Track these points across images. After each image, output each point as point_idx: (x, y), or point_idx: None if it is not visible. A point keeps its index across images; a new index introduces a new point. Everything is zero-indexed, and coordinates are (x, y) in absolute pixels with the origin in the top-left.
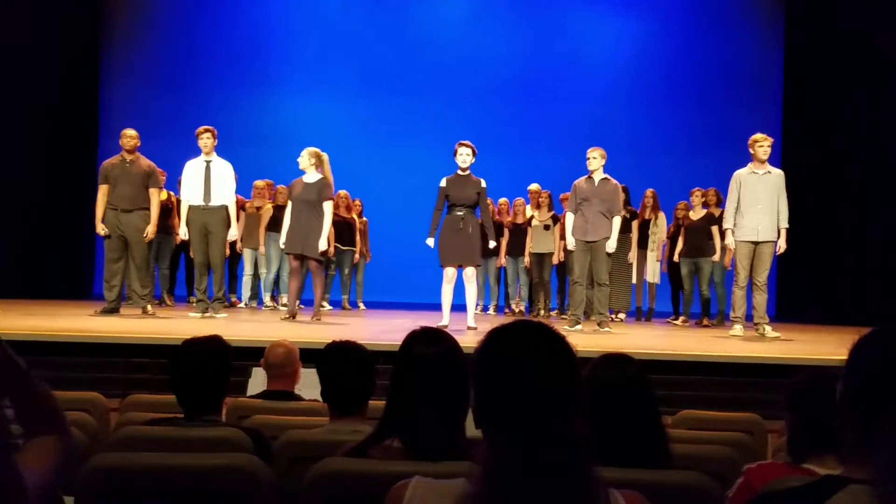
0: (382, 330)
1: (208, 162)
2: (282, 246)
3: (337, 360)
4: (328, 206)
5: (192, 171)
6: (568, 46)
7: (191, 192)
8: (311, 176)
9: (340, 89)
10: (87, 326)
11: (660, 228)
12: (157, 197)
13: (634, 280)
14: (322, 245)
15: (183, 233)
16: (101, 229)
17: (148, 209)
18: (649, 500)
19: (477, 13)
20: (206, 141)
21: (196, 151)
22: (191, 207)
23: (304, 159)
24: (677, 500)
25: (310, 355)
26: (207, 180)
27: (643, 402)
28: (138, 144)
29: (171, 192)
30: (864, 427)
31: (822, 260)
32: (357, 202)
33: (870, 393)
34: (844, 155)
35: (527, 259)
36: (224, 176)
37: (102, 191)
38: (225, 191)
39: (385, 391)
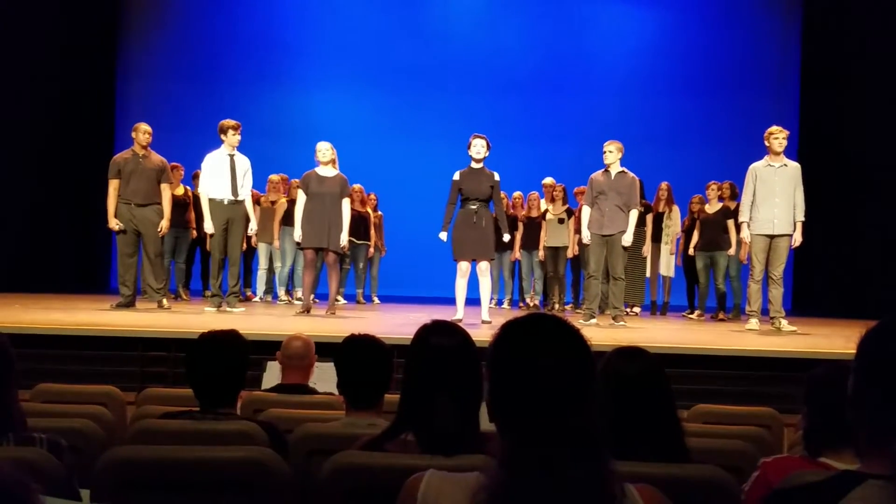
0: (399, 323)
1: (232, 156)
2: (298, 240)
3: (355, 353)
4: (348, 202)
5: (216, 166)
6: (583, 39)
7: (216, 187)
8: (328, 170)
9: (355, 83)
10: (103, 320)
11: (674, 222)
12: (168, 192)
13: (649, 274)
14: (344, 239)
15: (209, 227)
16: (114, 224)
17: (161, 204)
18: (665, 493)
19: (492, 7)
20: (238, 137)
21: (214, 144)
22: (214, 201)
23: (330, 153)
24: (693, 494)
25: (326, 349)
26: (234, 175)
27: (658, 395)
28: (151, 140)
29: (188, 187)
30: (878, 420)
31: (838, 253)
32: (372, 196)
33: (880, 385)
34: (861, 147)
35: (541, 253)
36: (246, 170)
37: (114, 185)
38: (246, 185)
39: (400, 385)
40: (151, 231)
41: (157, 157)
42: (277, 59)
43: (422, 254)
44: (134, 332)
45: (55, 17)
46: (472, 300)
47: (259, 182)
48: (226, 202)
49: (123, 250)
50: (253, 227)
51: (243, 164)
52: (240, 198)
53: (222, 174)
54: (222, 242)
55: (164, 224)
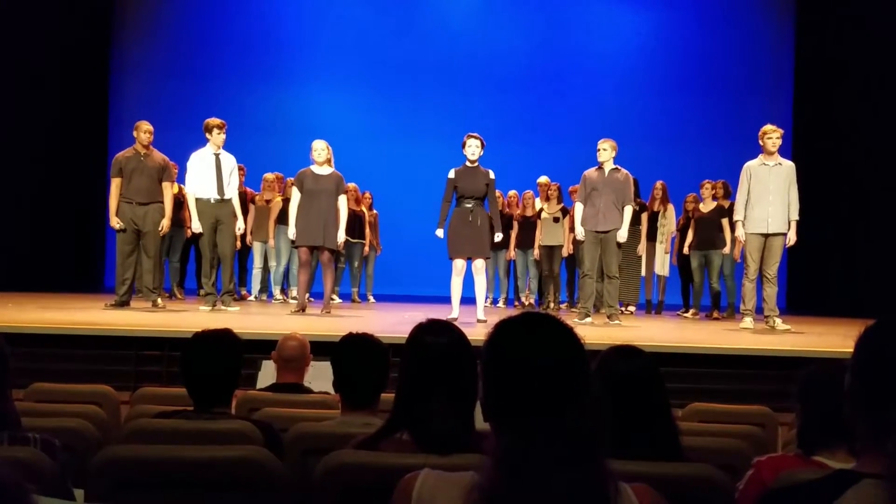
0: (396, 322)
1: (217, 155)
2: (292, 238)
3: (353, 352)
4: (344, 200)
5: (202, 165)
6: (577, 38)
7: (203, 186)
8: (324, 169)
9: (350, 81)
10: (98, 319)
11: (669, 220)
12: (170, 190)
13: (644, 272)
14: (341, 237)
15: (197, 227)
16: (115, 223)
17: (163, 202)
18: (659, 492)
19: (487, 5)
20: (223, 136)
21: (204, 143)
22: (201, 201)
23: (326, 152)
24: (688, 493)
25: (321, 348)
26: (219, 174)
27: (653, 394)
28: (152, 138)
29: (183, 186)
30: (874, 419)
31: (832, 252)
32: (367, 195)
33: (878, 384)
34: (855, 146)
35: (536, 252)
36: (232, 169)
37: (116, 184)
38: (233, 184)
39: (395, 384)
40: (153, 230)
41: (158, 156)
42: (273, 57)
43: (417, 252)
44: (128, 331)
45: (50, 14)
46: (468, 299)
47: (254, 180)
48: (212, 201)
49: (123, 249)
50: (240, 225)
51: (229, 162)
52: (226, 196)
53: (208, 173)
54: (212, 242)
55: (166, 223)
